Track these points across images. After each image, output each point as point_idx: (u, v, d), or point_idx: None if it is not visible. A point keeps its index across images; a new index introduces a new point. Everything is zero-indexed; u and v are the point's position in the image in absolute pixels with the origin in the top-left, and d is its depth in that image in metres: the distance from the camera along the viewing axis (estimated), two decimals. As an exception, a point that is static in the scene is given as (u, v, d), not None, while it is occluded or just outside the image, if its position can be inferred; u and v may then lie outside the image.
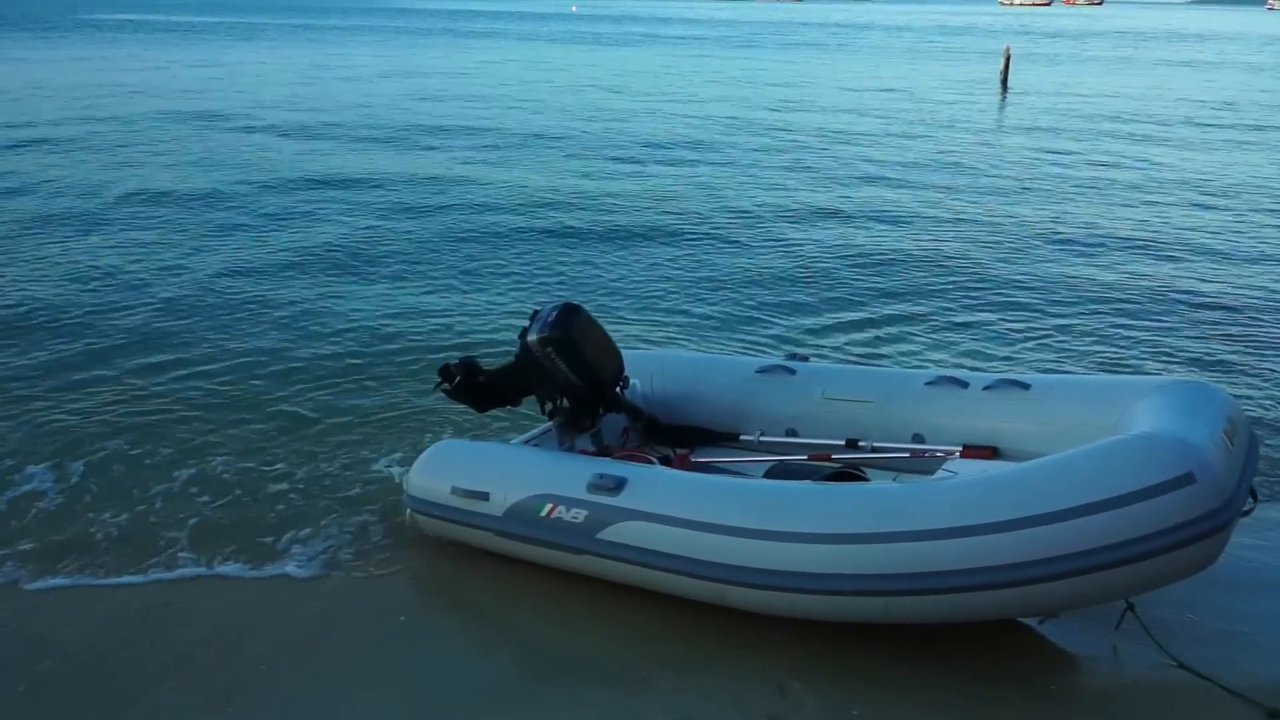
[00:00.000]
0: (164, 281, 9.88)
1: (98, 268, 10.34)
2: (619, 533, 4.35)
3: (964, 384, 5.12)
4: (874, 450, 5.20)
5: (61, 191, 14.16)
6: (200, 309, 9.06)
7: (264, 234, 11.92)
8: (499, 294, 9.63)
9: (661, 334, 8.39)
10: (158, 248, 11.18)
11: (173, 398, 7.09)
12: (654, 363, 5.94)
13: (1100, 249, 11.26)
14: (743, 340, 8.28)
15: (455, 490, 4.83)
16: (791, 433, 5.48)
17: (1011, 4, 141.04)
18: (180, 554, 5.15)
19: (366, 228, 12.23)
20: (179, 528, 5.39)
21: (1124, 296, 9.45)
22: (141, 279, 9.94)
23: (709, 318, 8.84)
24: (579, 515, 4.45)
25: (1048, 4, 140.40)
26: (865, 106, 25.30)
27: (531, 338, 5.02)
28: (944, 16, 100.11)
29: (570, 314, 5.02)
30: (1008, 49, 32.39)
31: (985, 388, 5.05)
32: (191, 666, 4.28)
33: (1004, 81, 30.53)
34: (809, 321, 8.76)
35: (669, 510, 4.26)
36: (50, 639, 4.51)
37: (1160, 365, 7.73)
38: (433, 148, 18.44)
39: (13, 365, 7.70)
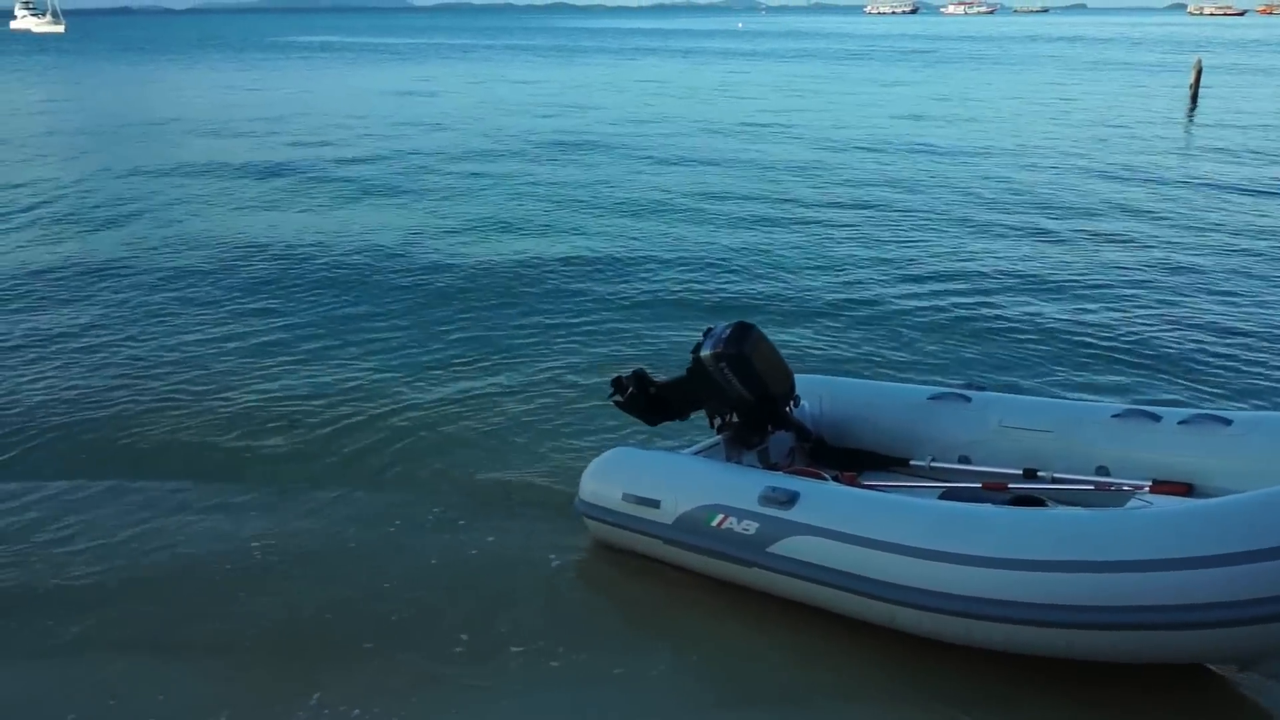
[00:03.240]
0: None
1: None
2: (790, 547, 4.34)
3: (1156, 417, 4.88)
4: (1054, 481, 5.02)
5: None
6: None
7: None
8: (679, 307, 9.72)
9: (834, 358, 8.32)
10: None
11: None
12: (823, 386, 5.91)
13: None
14: (914, 371, 8.10)
15: (626, 497, 4.92)
16: (964, 460, 5.35)
17: (1201, 12, 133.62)
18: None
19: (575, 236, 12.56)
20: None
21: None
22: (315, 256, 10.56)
23: (882, 345, 8.66)
24: (750, 527, 4.46)
25: (1241, 14, 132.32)
26: (1046, 122, 24.39)
27: (705, 352, 5.08)
28: (1126, 28, 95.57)
29: (744, 331, 5.06)
30: (1199, 61, 30.71)
31: (1180, 422, 4.79)
32: (369, 662, 4.50)
33: (1194, 96, 28.95)
34: (974, 352, 8.49)
35: (841, 526, 4.22)
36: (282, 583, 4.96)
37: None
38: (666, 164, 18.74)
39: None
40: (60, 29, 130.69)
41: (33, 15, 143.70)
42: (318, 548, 5.40)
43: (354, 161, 19.51)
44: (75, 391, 7.69)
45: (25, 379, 7.98)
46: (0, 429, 7.00)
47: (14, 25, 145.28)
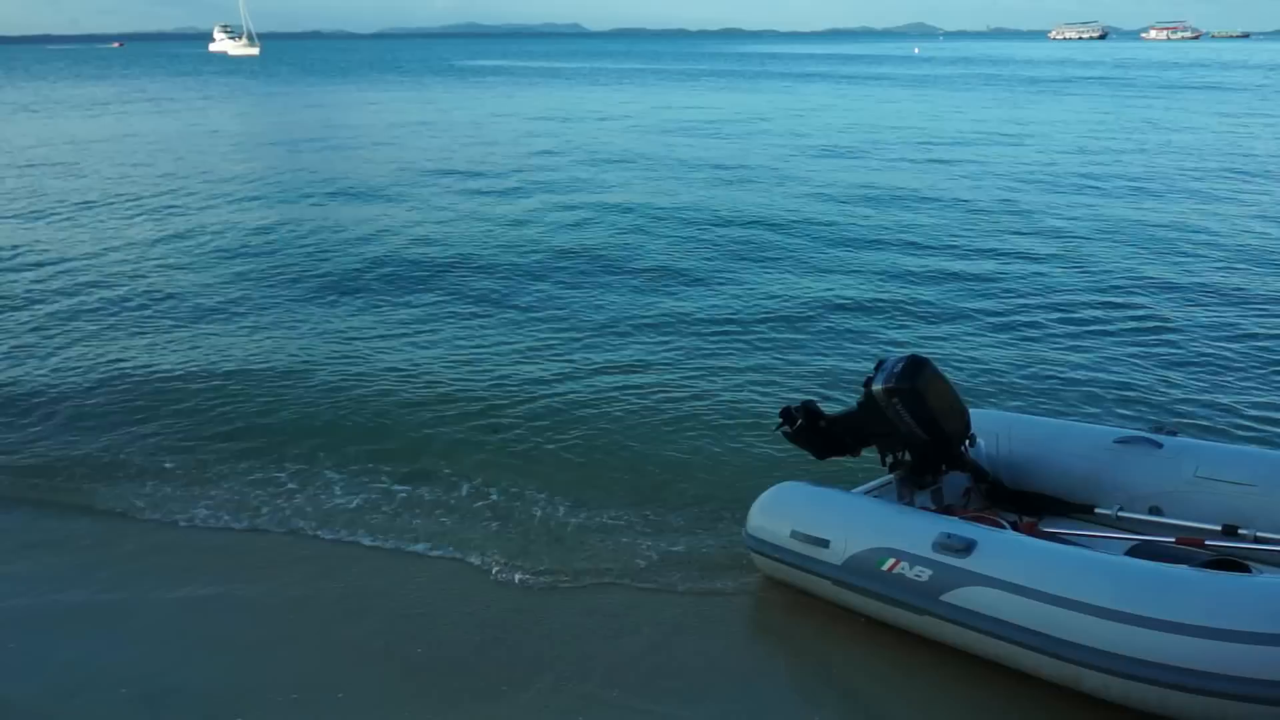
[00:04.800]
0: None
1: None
2: (966, 597, 4.16)
3: None
4: (1257, 540, 4.65)
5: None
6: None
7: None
8: (852, 338, 9.54)
9: (1011, 391, 8.01)
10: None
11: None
12: (1001, 423, 5.66)
13: None
14: (1098, 408, 7.70)
15: (795, 534, 4.83)
16: (1155, 511, 5.02)
17: None
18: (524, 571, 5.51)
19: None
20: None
21: None
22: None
23: (1064, 381, 8.27)
24: (923, 574, 4.30)
25: None
26: (1251, 152, 22.93)
27: (876, 387, 4.94)
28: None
29: (917, 366, 4.90)
30: None
31: None
32: (539, 680, 4.55)
33: None
34: (1175, 392, 8.00)
35: (1023, 579, 4.02)
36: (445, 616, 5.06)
37: None
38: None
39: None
40: (255, 52, 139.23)
41: (230, 39, 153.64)
42: (471, 582, 5.46)
43: (514, 182, 20.02)
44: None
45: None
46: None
47: (212, 48, 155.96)
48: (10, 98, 52.60)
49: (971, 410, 5.27)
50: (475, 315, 10.52)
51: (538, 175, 20.30)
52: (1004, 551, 4.17)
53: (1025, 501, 5.45)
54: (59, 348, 9.51)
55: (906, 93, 47.43)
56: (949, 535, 4.29)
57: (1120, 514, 5.10)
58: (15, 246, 14.25)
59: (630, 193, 18.41)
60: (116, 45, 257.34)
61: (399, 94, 51.98)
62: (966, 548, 4.21)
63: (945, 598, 4.23)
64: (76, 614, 5.23)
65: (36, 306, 11.05)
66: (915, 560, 4.34)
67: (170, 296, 11.46)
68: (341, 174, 20.54)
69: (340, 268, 12.58)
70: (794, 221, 15.36)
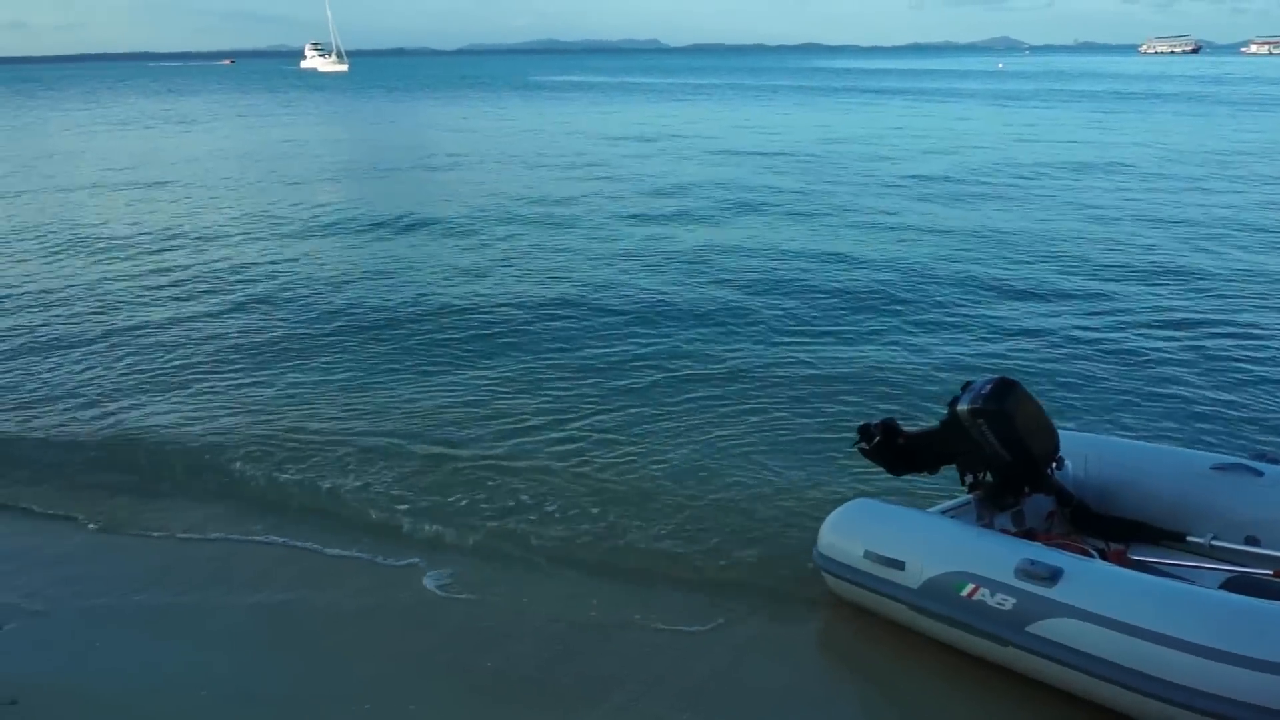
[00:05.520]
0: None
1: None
2: (1051, 629, 3.99)
3: None
4: None
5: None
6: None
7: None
8: (938, 358, 9.29)
9: (1101, 409, 7.77)
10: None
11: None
12: (1089, 446, 5.46)
13: None
14: (1193, 430, 7.40)
15: (868, 554, 4.70)
16: (1253, 541, 4.79)
17: None
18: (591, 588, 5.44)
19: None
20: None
21: None
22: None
23: (1157, 403, 7.98)
24: (1005, 602, 4.15)
25: None
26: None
27: (962, 407, 4.81)
28: None
29: (1007, 388, 4.76)
30: None
31: None
32: (608, 700, 4.50)
33: None
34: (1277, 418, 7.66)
35: (1112, 612, 3.85)
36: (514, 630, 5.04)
37: None
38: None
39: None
40: (344, 68, 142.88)
41: (320, 56, 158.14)
42: (539, 598, 5.42)
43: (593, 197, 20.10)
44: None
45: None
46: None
47: (304, 64, 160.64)
48: (137, 112, 54.87)
49: (1060, 432, 5.09)
50: (547, 324, 10.57)
51: (601, 202, 20.24)
52: (1092, 581, 4.00)
53: (1112, 527, 5.25)
54: (130, 373, 9.39)
55: (988, 109, 46.65)
56: (1033, 562, 4.13)
57: (1214, 543, 4.88)
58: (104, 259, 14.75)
59: (705, 210, 18.38)
60: (228, 63, 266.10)
61: (477, 108, 52.92)
62: (1052, 576, 4.05)
63: (1029, 628, 4.07)
64: (157, 615, 5.34)
65: (101, 331, 10.94)
66: (997, 587, 4.18)
67: (269, 305, 11.75)
68: (410, 197, 20.18)
69: (408, 300, 12.58)
70: (875, 237, 15.17)
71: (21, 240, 16.30)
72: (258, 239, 16.09)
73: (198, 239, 16.14)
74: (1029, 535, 5.00)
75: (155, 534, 6.27)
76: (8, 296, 12.40)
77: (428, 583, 5.55)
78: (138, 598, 5.50)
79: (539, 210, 18.38)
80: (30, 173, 26.09)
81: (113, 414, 8.26)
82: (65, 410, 8.38)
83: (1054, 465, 5.10)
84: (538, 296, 11.82)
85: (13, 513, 6.64)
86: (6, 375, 9.39)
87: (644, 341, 9.96)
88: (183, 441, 7.60)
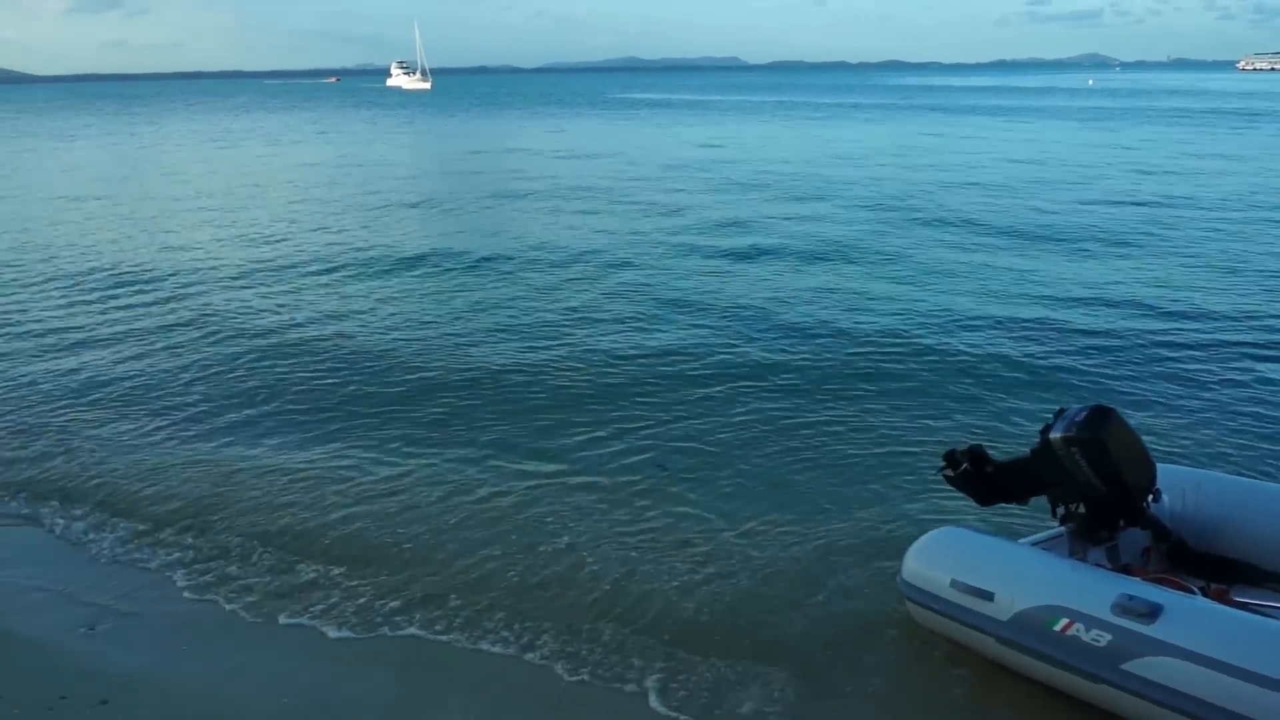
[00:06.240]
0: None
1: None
2: (1149, 668, 3.84)
3: None
4: None
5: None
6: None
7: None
8: (1029, 383, 9.04)
9: (1198, 449, 7.43)
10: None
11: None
12: (1189, 480, 5.25)
13: None
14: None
15: (955, 584, 4.57)
16: (1366, 586, 4.57)
17: None
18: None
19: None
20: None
21: None
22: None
23: (1264, 440, 7.63)
24: (1100, 638, 4.00)
25: None
26: None
27: (1055, 434, 4.65)
28: None
29: (1102, 415, 4.59)
30: None
31: None
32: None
33: None
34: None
35: (1216, 652, 3.68)
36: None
37: None
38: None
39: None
40: (427, 86, 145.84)
41: (405, 74, 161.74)
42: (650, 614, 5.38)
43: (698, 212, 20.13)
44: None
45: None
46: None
47: (389, 82, 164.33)
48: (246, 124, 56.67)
49: (1157, 464, 4.91)
50: (626, 336, 10.58)
51: (670, 210, 20.25)
52: (1195, 619, 3.84)
53: (1211, 566, 5.04)
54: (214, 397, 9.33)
55: (1076, 126, 45.67)
56: (1131, 597, 3.98)
57: None
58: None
59: (791, 220, 18.27)
60: (333, 80, 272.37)
61: (551, 124, 53.60)
62: (1151, 612, 3.89)
63: (1126, 666, 3.92)
64: (244, 622, 5.45)
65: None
66: (1092, 622, 4.04)
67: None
68: (477, 230, 19.25)
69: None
70: (964, 257, 14.92)
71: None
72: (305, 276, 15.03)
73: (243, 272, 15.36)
74: (1124, 571, 4.82)
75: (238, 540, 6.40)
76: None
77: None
78: (229, 607, 5.61)
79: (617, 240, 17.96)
80: (112, 184, 27.02)
81: (208, 432, 8.39)
82: (162, 423, 8.59)
83: (1151, 498, 4.92)
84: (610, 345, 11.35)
85: (111, 514, 6.84)
86: (100, 377, 9.74)
87: (720, 358, 9.93)
88: (274, 461, 7.67)
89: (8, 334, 11.71)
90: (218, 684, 4.89)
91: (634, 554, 5.95)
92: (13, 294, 13.85)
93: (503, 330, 11.26)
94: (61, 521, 6.77)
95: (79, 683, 4.88)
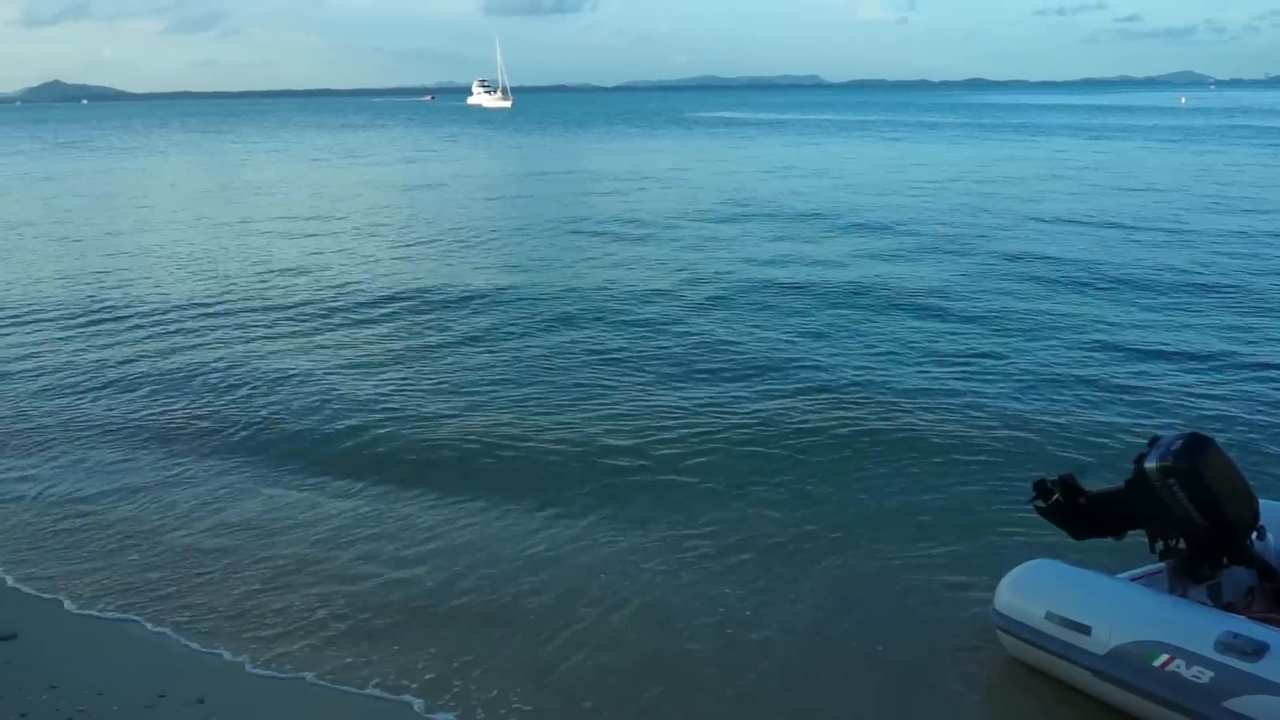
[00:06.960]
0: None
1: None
2: (1254, 706, 3.74)
3: None
4: None
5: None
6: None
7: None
8: (1125, 409, 8.80)
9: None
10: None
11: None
12: None
13: None
14: None
15: (1050, 616, 4.49)
16: None
17: None
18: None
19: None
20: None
21: None
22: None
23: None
24: (1203, 675, 3.89)
25: None
26: None
27: (1150, 464, 4.50)
28: None
29: (1199, 444, 4.44)
30: None
31: None
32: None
33: None
34: None
35: (1327, 695, 3.55)
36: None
37: None
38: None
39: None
40: (508, 105, 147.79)
41: (486, 92, 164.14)
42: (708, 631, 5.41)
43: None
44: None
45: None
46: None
47: (470, 101, 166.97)
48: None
49: (1262, 501, 4.73)
50: (683, 362, 10.57)
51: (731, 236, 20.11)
52: (1303, 660, 3.71)
53: None
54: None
55: (1170, 146, 44.42)
56: (1235, 635, 3.88)
57: None
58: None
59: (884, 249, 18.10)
60: (429, 98, 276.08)
61: (628, 144, 53.98)
62: (1257, 651, 3.78)
63: (1227, 703, 3.81)
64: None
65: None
66: (1194, 659, 3.93)
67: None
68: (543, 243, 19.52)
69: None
70: (1054, 279, 14.63)
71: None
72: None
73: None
74: (1228, 610, 4.67)
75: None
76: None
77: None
78: (318, 615, 5.75)
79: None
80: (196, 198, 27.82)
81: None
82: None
83: (1255, 535, 4.74)
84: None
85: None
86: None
87: (803, 377, 9.90)
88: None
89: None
90: (307, 688, 5.00)
91: (727, 589, 5.84)
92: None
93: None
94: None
95: (176, 682, 5.02)
